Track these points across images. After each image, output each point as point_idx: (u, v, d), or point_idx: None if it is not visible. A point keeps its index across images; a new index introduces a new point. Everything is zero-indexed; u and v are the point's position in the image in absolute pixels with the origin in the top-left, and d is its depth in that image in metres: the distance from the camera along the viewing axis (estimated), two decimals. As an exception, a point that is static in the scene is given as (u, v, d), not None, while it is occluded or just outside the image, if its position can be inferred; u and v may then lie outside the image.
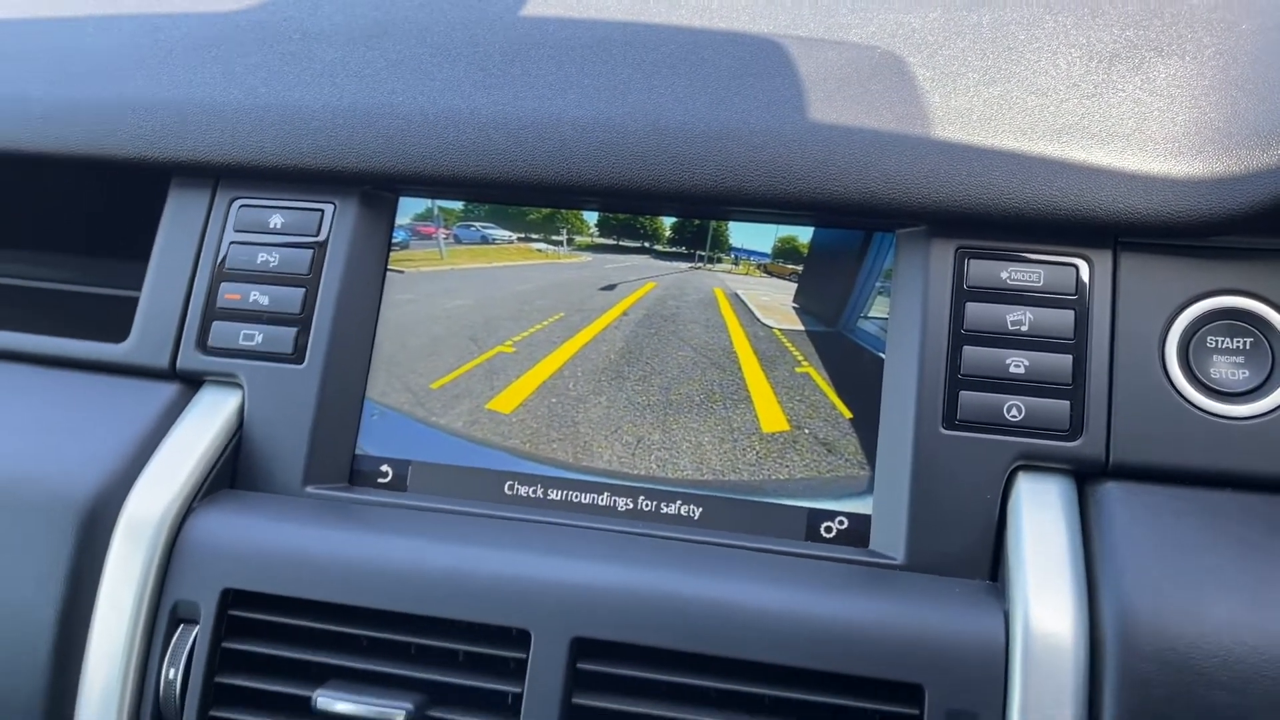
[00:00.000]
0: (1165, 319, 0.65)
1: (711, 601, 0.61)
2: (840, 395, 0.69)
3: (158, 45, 0.83)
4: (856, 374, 0.69)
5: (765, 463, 0.69)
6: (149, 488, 0.68)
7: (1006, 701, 0.57)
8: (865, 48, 0.76)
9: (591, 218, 0.75)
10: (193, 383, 0.75)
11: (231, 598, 0.65)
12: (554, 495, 0.71)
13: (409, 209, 0.76)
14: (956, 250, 0.68)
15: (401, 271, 0.76)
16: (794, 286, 0.71)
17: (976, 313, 0.67)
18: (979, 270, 0.67)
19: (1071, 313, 0.66)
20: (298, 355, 0.73)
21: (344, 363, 0.73)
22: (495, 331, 0.74)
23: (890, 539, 0.65)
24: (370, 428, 0.74)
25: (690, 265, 0.73)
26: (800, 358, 0.70)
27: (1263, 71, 0.69)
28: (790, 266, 0.71)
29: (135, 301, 0.78)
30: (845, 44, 0.76)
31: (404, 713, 0.61)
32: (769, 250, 0.71)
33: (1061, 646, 0.57)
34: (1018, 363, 0.65)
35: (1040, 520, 0.62)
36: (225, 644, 0.65)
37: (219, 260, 0.76)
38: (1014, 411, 0.65)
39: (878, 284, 0.70)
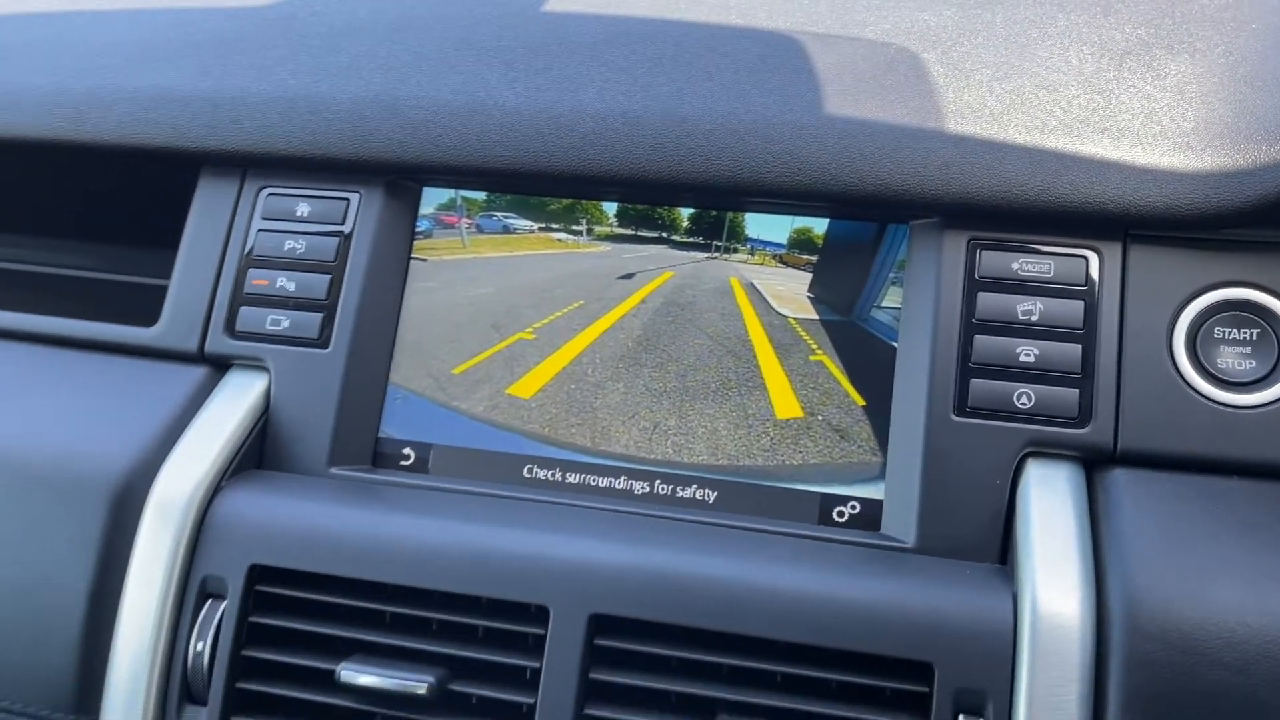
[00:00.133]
0: (1173, 310, 0.66)
1: (726, 580, 0.62)
2: (853, 383, 0.70)
3: (187, 38, 0.85)
4: (869, 362, 0.70)
5: (779, 448, 0.70)
6: (178, 467, 0.70)
7: (1014, 680, 0.58)
8: (880, 44, 0.77)
9: (610, 208, 0.76)
10: (220, 366, 0.77)
11: (258, 573, 0.67)
12: (572, 478, 0.72)
13: (432, 199, 0.78)
14: (969, 241, 0.69)
15: (425, 260, 0.78)
16: (809, 276, 0.72)
17: (988, 302, 0.68)
18: (991, 261, 0.69)
19: (1081, 303, 0.67)
20: (323, 340, 0.75)
21: (368, 348, 0.75)
22: (516, 319, 0.75)
23: (901, 523, 0.67)
24: (393, 411, 0.75)
25: (707, 255, 0.74)
26: (814, 346, 0.71)
27: (1271, 68, 0.70)
28: (805, 257, 0.73)
29: (162, 289, 0.80)
30: (861, 40, 0.78)
31: (426, 685, 0.62)
32: (784, 241, 0.73)
33: (1069, 627, 0.58)
34: (1028, 352, 0.67)
35: (1049, 505, 0.64)
36: (252, 618, 0.67)
37: (247, 247, 0.78)
38: (1024, 399, 0.66)
39: (891, 274, 0.71)
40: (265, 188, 0.79)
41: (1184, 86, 0.71)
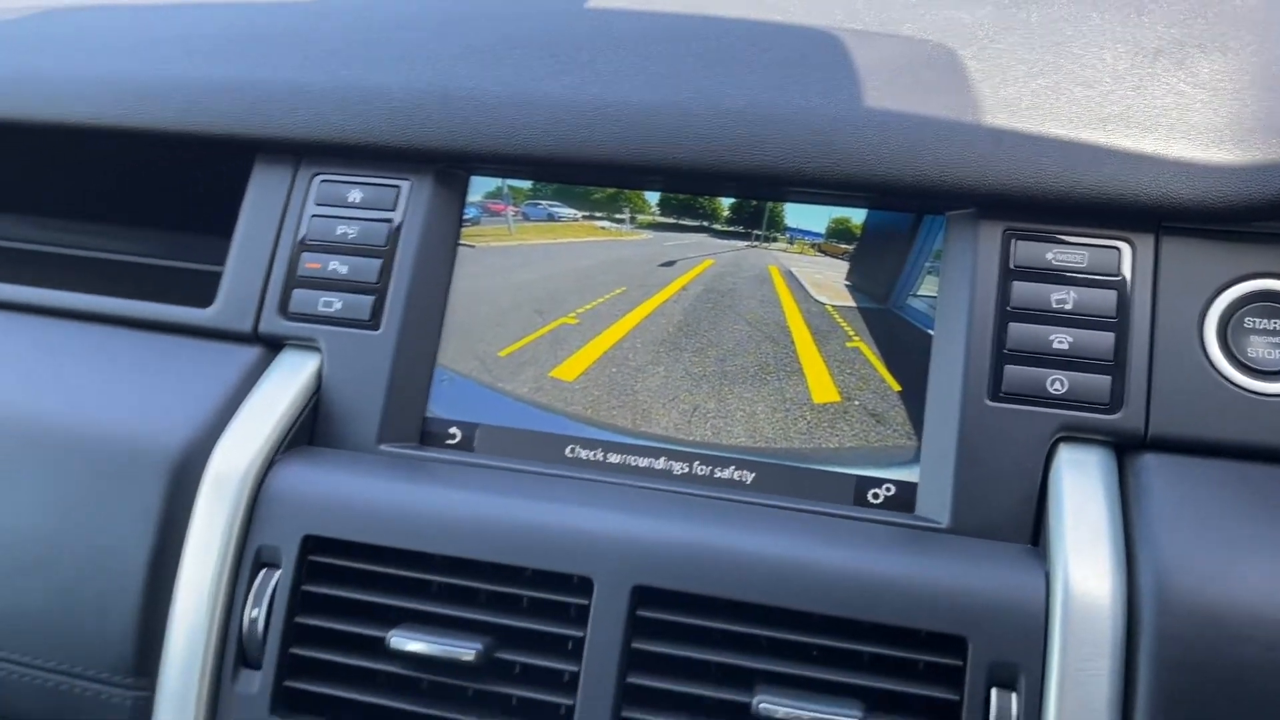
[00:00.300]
0: (1205, 300, 0.68)
1: (765, 555, 0.64)
2: (889, 368, 0.72)
3: (243, 31, 0.88)
4: (905, 349, 0.72)
5: (816, 432, 0.72)
6: (233, 442, 0.73)
7: (1046, 654, 0.60)
8: (919, 41, 0.79)
9: (653, 198, 0.78)
10: (274, 346, 0.79)
11: (311, 544, 0.69)
12: (613, 459, 0.74)
13: (480, 187, 0.81)
14: (1004, 232, 0.71)
15: (472, 246, 0.80)
16: (846, 265, 0.74)
17: (1022, 291, 0.70)
18: (1025, 251, 0.70)
19: (1114, 293, 0.69)
20: (374, 322, 0.77)
21: (417, 330, 0.78)
22: (560, 304, 0.78)
23: (936, 505, 0.69)
24: (440, 392, 0.78)
25: (747, 244, 0.76)
26: (851, 333, 0.73)
27: (1304, 66, 0.72)
28: (843, 246, 0.75)
29: (210, 273, 0.83)
30: (899, 37, 0.80)
31: (473, 652, 0.64)
32: (823, 230, 0.75)
33: (1100, 604, 0.60)
34: (1061, 339, 0.68)
35: (1081, 488, 0.65)
36: (305, 587, 0.69)
37: (300, 232, 0.80)
38: (1057, 385, 0.68)
39: (927, 264, 0.73)
40: (318, 174, 0.81)
41: (1216, 83, 0.72)
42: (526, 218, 0.80)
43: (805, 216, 0.75)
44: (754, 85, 0.75)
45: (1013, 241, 0.71)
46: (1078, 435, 0.68)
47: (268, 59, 0.84)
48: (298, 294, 0.79)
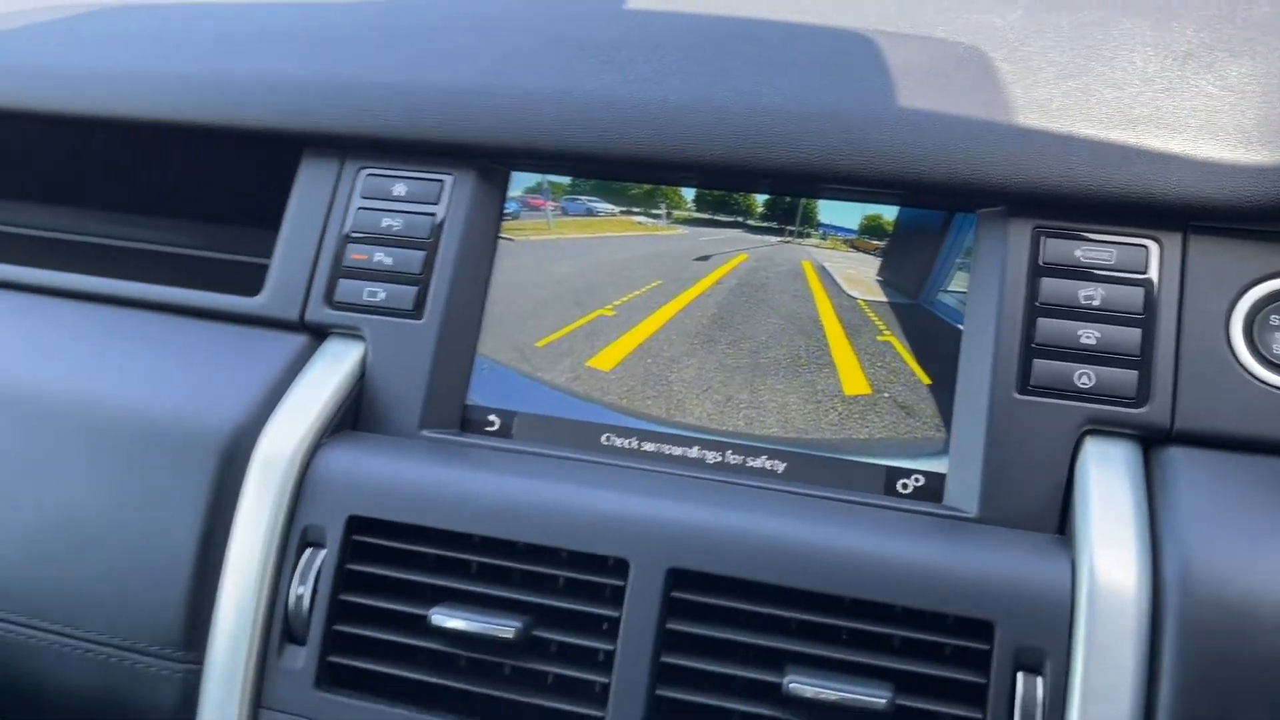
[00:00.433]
0: (1231, 297, 0.69)
1: (797, 540, 0.66)
2: (919, 362, 0.74)
3: (291, 29, 0.91)
4: (935, 343, 0.74)
5: (847, 423, 0.74)
6: (281, 426, 0.75)
7: (1072, 640, 0.61)
8: (950, 43, 0.81)
9: (689, 194, 0.80)
10: (319, 334, 0.82)
11: (356, 524, 0.72)
12: (648, 447, 0.76)
13: (520, 182, 0.83)
14: (1034, 229, 0.72)
15: (512, 240, 0.82)
16: (878, 261, 0.76)
17: (1051, 287, 0.71)
18: (1055, 249, 0.72)
19: (1142, 290, 0.70)
20: (417, 311, 0.79)
21: (459, 320, 0.80)
22: (597, 296, 0.80)
23: (964, 495, 0.70)
24: (480, 380, 0.80)
25: (780, 239, 0.78)
26: (882, 327, 0.75)
27: (1331, 70, 0.73)
28: (875, 242, 0.76)
29: (250, 265, 0.85)
30: (931, 39, 0.82)
31: (513, 630, 0.66)
32: (855, 227, 0.77)
33: (1125, 592, 0.61)
34: (1089, 334, 0.70)
35: (1107, 480, 0.67)
36: (349, 566, 0.71)
37: (346, 224, 0.83)
38: (1084, 379, 0.69)
39: (957, 260, 0.75)
40: (364, 169, 0.84)
41: (1245, 86, 0.74)
42: (565, 212, 0.82)
43: (838, 213, 0.77)
44: (789, 85, 0.77)
45: (1042, 239, 0.72)
46: (1104, 428, 0.69)
47: (317, 57, 0.86)
48: (343, 284, 0.81)
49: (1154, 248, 0.71)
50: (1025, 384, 0.70)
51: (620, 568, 0.67)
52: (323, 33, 0.90)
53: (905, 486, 0.72)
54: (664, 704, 0.65)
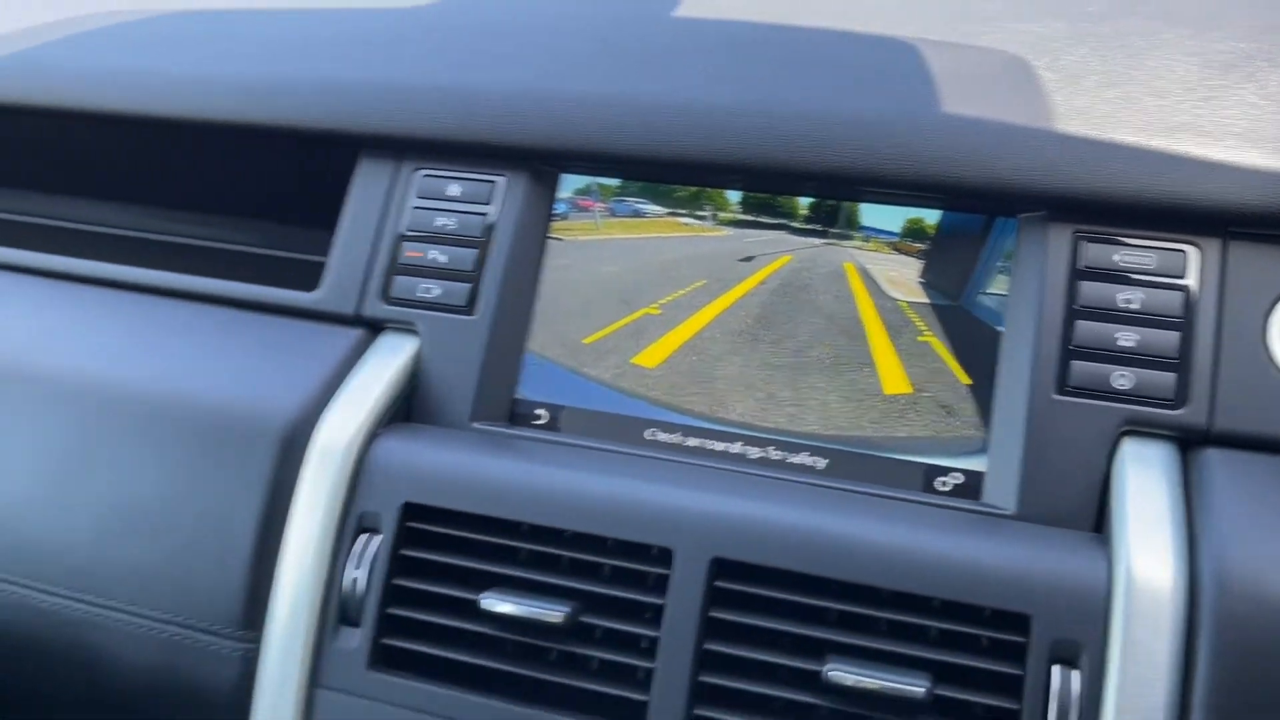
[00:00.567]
0: (1270, 302, 0.70)
1: (837, 533, 0.68)
2: (959, 362, 0.75)
3: (349, 35, 0.94)
4: (975, 344, 0.75)
5: (887, 421, 0.76)
6: (338, 417, 0.78)
7: (1108, 634, 0.63)
8: (993, 51, 0.83)
9: (734, 196, 0.82)
10: (374, 328, 0.85)
11: (410, 511, 0.74)
12: (691, 442, 0.79)
13: (570, 184, 0.85)
14: (1074, 234, 0.74)
15: (561, 239, 0.85)
16: (920, 263, 0.78)
17: (1090, 291, 0.73)
18: (1094, 253, 0.73)
19: (1180, 294, 0.71)
20: (469, 307, 0.82)
21: (509, 316, 0.82)
22: (643, 295, 0.82)
23: (1002, 492, 0.72)
24: (529, 375, 0.82)
25: (824, 241, 0.80)
26: (923, 327, 0.76)
27: (1373, 80, 0.74)
28: (917, 245, 0.78)
29: (300, 262, 0.88)
30: (975, 47, 0.83)
31: (562, 615, 0.69)
32: (898, 230, 0.79)
33: (1161, 589, 0.62)
34: (1127, 337, 0.71)
35: (1144, 480, 0.68)
36: (402, 551, 0.74)
37: (402, 223, 0.86)
38: (1122, 381, 0.71)
39: (998, 263, 0.76)
40: (419, 169, 0.87)
41: (1286, 95, 0.75)
42: (613, 213, 0.85)
43: (881, 216, 0.79)
44: (834, 90, 0.79)
45: (1082, 243, 0.74)
46: (1142, 429, 0.70)
47: (375, 61, 0.90)
48: (398, 280, 0.84)
49: (1193, 253, 0.72)
50: (1064, 385, 0.71)
51: (664, 557, 0.69)
52: (380, 38, 0.93)
53: (944, 484, 0.74)
54: (706, 690, 0.67)
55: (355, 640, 0.73)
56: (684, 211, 0.83)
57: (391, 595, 0.73)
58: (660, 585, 0.69)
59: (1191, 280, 0.72)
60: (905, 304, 0.77)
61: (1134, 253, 0.73)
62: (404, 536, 0.74)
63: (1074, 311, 0.73)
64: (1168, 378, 0.70)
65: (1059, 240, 0.74)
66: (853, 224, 0.79)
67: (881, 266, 0.78)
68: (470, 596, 0.71)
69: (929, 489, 0.74)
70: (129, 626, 0.77)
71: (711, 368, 0.79)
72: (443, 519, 0.74)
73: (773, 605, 0.68)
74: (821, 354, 0.78)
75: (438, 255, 0.84)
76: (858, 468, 0.75)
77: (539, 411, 0.82)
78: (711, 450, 0.78)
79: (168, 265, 0.92)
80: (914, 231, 0.78)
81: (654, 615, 0.69)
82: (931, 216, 0.78)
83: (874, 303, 0.78)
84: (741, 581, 0.68)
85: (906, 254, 0.78)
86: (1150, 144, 0.73)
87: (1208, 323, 0.71)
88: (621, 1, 0.95)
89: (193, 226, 1.07)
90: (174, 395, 0.80)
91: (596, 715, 0.69)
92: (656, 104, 0.81)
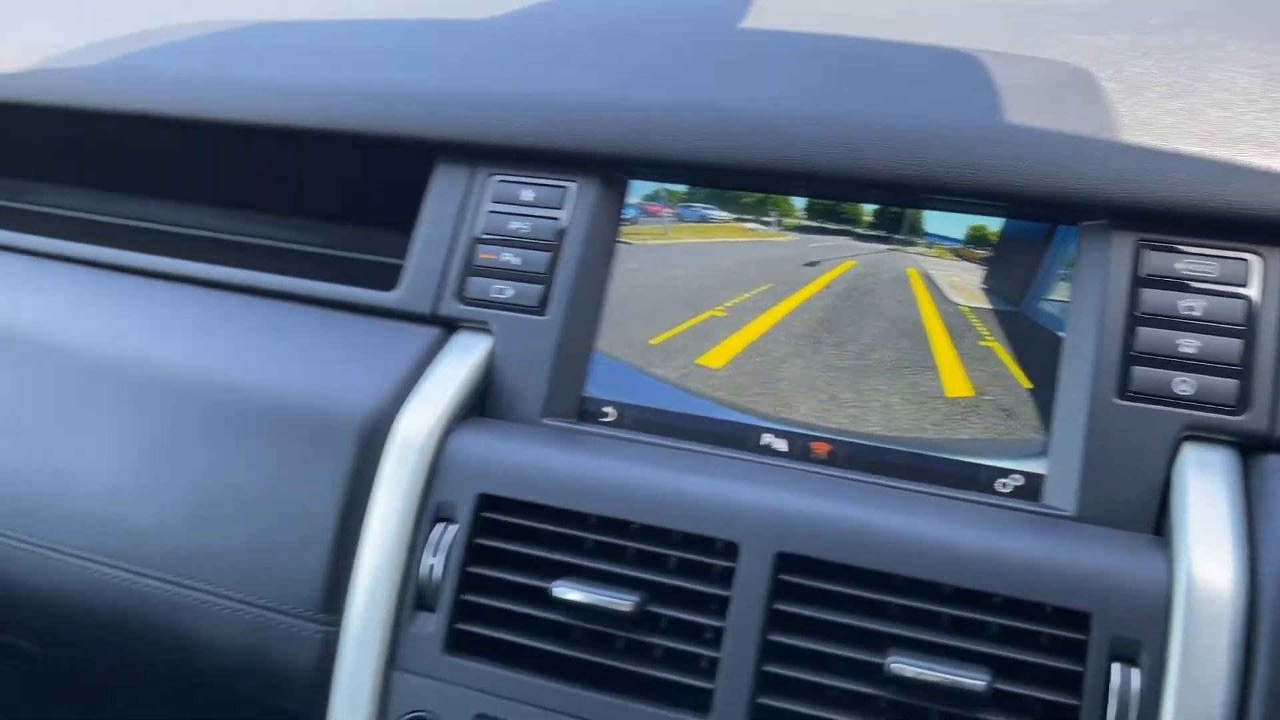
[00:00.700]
0: (1333, 311, 0.71)
1: (899, 530, 0.70)
2: (1021, 367, 0.77)
3: (427, 45, 0.98)
4: (1036, 349, 0.77)
5: (948, 423, 0.77)
6: (416, 411, 0.81)
7: (1168, 633, 0.64)
8: (1056, 63, 0.84)
9: (799, 202, 0.85)
10: (450, 327, 0.88)
11: (485, 502, 0.77)
12: (755, 440, 0.81)
13: (639, 190, 0.88)
14: (1136, 242, 0.75)
15: (629, 243, 0.88)
16: (982, 270, 0.80)
17: (1152, 298, 0.74)
18: (1156, 261, 0.75)
19: (1242, 302, 0.72)
20: (541, 308, 0.85)
21: (579, 317, 0.85)
22: (709, 298, 0.85)
23: (1062, 495, 0.73)
24: (597, 374, 0.85)
25: (888, 247, 0.82)
26: (985, 332, 0.78)
27: None
28: (979, 252, 0.80)
29: (370, 263, 0.92)
30: (1038, 59, 0.85)
31: (631, 604, 0.71)
32: (960, 237, 0.80)
33: (1221, 590, 0.64)
34: (1189, 344, 0.72)
35: (1205, 484, 0.69)
36: (477, 540, 0.77)
37: (477, 226, 0.89)
38: (1184, 386, 0.72)
39: (1059, 270, 0.78)
40: (494, 175, 0.90)
41: (1351, 107, 0.76)
42: (681, 219, 0.87)
43: (944, 223, 0.81)
44: (899, 100, 0.81)
45: (1144, 252, 0.75)
46: (1203, 435, 0.71)
47: (453, 70, 0.93)
48: (473, 281, 0.88)
49: (1255, 262, 0.73)
50: (1125, 390, 0.73)
51: (730, 551, 0.72)
52: (457, 48, 0.97)
53: (1004, 485, 0.75)
54: (770, 679, 0.70)
55: (431, 625, 0.76)
56: (750, 217, 0.86)
57: (466, 582, 0.77)
58: (724, 577, 0.72)
59: (1254, 289, 0.73)
60: (967, 309, 0.79)
61: (1196, 261, 0.74)
62: (478, 526, 0.77)
63: (1136, 318, 0.74)
64: (1229, 384, 0.71)
65: (1121, 248, 0.75)
66: (916, 230, 0.81)
67: (944, 272, 0.80)
68: (541, 584, 0.74)
69: (989, 490, 0.76)
70: (217, 608, 0.81)
71: (775, 369, 0.82)
72: (515, 510, 0.77)
73: (835, 599, 0.70)
74: (884, 357, 0.80)
75: (511, 258, 0.87)
76: (919, 468, 0.77)
77: (606, 409, 0.85)
78: (775, 449, 0.80)
79: (249, 265, 0.96)
80: (977, 238, 0.80)
81: (718, 606, 0.72)
82: (994, 224, 0.80)
83: (936, 307, 0.79)
84: (805, 575, 0.70)
85: (969, 260, 0.80)
86: (1213, 154, 0.74)
87: (1270, 330, 0.72)
88: (690, 13, 0.98)
89: (269, 228, 1.11)
90: (262, 390, 0.84)
91: (662, 701, 0.72)
92: (724, 113, 0.84)
